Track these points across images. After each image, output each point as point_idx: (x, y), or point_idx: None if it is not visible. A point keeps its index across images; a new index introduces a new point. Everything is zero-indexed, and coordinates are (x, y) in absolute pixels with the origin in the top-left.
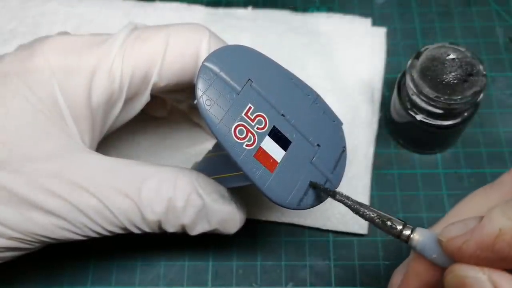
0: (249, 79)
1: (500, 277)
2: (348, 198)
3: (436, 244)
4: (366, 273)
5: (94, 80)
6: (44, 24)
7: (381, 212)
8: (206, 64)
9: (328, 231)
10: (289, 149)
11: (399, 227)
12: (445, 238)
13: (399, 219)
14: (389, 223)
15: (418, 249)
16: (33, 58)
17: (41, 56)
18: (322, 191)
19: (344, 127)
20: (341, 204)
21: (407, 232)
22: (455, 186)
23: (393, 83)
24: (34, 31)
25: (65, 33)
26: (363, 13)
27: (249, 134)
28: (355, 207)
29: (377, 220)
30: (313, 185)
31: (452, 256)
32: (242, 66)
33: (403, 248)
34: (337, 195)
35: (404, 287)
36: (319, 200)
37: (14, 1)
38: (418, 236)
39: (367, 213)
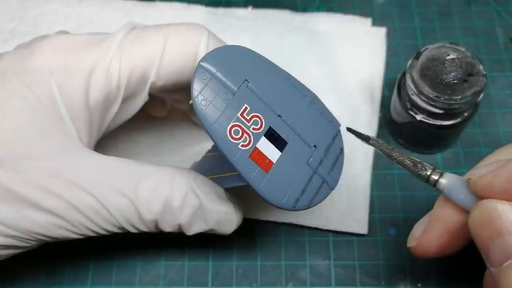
0: (246, 79)
1: None
2: (381, 143)
3: (464, 187)
4: (366, 273)
5: (92, 79)
6: (44, 24)
7: (413, 158)
8: (202, 64)
9: (328, 231)
10: (285, 150)
11: (429, 172)
12: (475, 175)
13: (429, 164)
14: (419, 166)
15: (446, 192)
16: (31, 57)
17: (39, 55)
18: (355, 134)
19: (343, 127)
20: (341, 204)
21: (435, 176)
22: None
23: (393, 83)
24: (34, 31)
25: (63, 32)
26: (363, 13)
27: (245, 135)
28: (387, 152)
29: (408, 164)
30: (348, 129)
31: (481, 193)
32: (239, 66)
33: (403, 248)
34: (371, 140)
35: (426, 234)
36: (315, 201)
37: (14, 1)
38: (446, 180)
39: (399, 157)
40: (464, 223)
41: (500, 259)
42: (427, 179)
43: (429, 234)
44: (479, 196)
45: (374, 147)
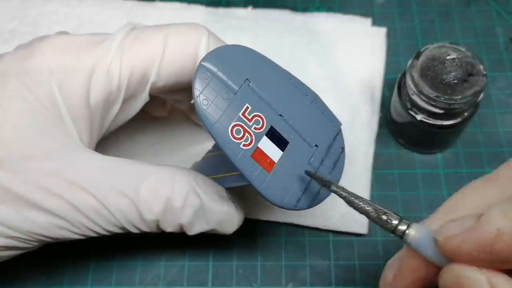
0: (247, 79)
1: (499, 278)
2: (343, 189)
3: (431, 241)
4: (366, 273)
5: (92, 79)
6: (44, 24)
7: (377, 206)
8: (204, 63)
9: (328, 231)
10: (286, 149)
11: (395, 222)
12: (442, 237)
13: (395, 214)
14: (384, 217)
15: (413, 245)
16: (31, 58)
17: (39, 55)
18: (317, 181)
19: (344, 127)
20: (342, 204)
21: (402, 227)
22: (455, 186)
23: (393, 83)
24: (34, 31)
25: (63, 33)
26: (363, 13)
27: (246, 134)
28: (350, 199)
29: (372, 214)
30: (309, 174)
31: (449, 256)
32: (240, 66)
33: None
34: (332, 186)
35: (397, 282)
36: (316, 200)
37: (14, 1)
38: (414, 232)
39: (362, 206)
40: (434, 273)
41: None
42: (393, 230)
43: (399, 281)
44: (448, 258)
45: (336, 194)
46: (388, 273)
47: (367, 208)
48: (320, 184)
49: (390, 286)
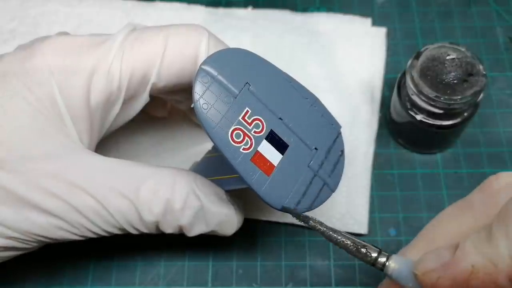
0: (247, 82)
1: None
2: (321, 223)
3: (411, 274)
4: (366, 273)
5: (92, 80)
6: (44, 24)
7: (356, 239)
8: (204, 67)
9: None
10: (286, 152)
11: (374, 255)
12: (420, 271)
13: (374, 246)
14: (363, 250)
15: (394, 277)
16: (32, 58)
17: (40, 56)
18: (294, 216)
19: (344, 127)
20: (342, 204)
21: (382, 259)
22: (455, 186)
23: (393, 83)
24: (34, 31)
25: (64, 34)
26: (363, 13)
27: (246, 138)
28: (328, 234)
29: (351, 248)
30: (285, 210)
31: None
32: (240, 69)
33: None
34: (310, 221)
35: None
36: (316, 203)
37: (14, 1)
38: (394, 264)
39: (341, 239)
40: None
41: None
42: (373, 263)
43: None
44: None
45: (314, 229)
46: None
47: (345, 242)
48: (297, 219)
49: None
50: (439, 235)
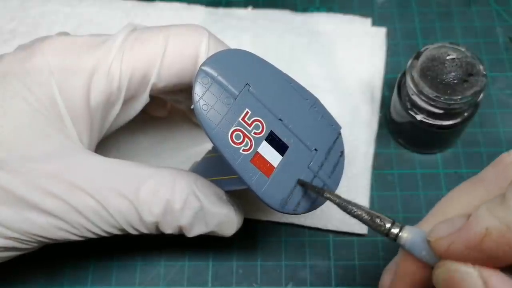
0: (247, 83)
1: (490, 273)
2: (336, 196)
3: (424, 243)
4: (366, 273)
5: (92, 81)
6: (44, 24)
7: (370, 210)
8: (204, 68)
9: (328, 231)
10: (286, 154)
11: (388, 225)
12: (433, 238)
13: (388, 217)
14: (377, 220)
15: (407, 247)
16: (32, 59)
17: (40, 56)
18: (309, 189)
19: (344, 127)
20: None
21: (395, 230)
22: (455, 186)
23: (393, 83)
24: (34, 31)
25: (64, 34)
26: (363, 13)
27: (246, 139)
28: (343, 205)
29: (365, 218)
30: (301, 183)
31: (441, 255)
32: (240, 70)
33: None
34: (325, 193)
35: (395, 287)
36: (316, 204)
37: (14, 1)
38: (407, 234)
39: (356, 210)
40: (429, 275)
41: None
42: (386, 233)
43: (397, 287)
44: (440, 257)
45: (329, 200)
46: (386, 279)
47: (360, 213)
48: (312, 191)
49: None
50: (452, 209)
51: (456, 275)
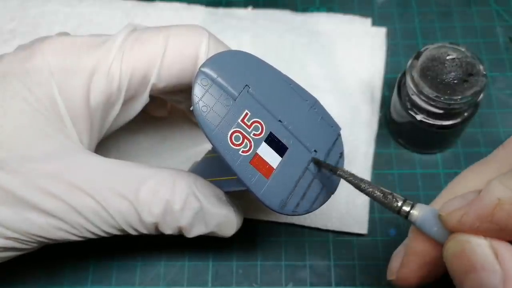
0: (246, 84)
1: (501, 245)
2: (350, 174)
3: (435, 219)
4: (366, 273)
5: (92, 81)
6: (44, 24)
7: (383, 188)
8: (203, 69)
9: (328, 231)
10: (285, 155)
11: (400, 203)
12: (445, 212)
13: (399, 195)
14: (389, 197)
15: (418, 224)
16: (32, 59)
17: (40, 56)
18: (324, 167)
19: (344, 127)
20: (342, 204)
21: (407, 208)
22: None
23: (393, 83)
24: (34, 31)
25: (64, 34)
26: (363, 13)
27: (245, 141)
28: (356, 183)
29: (378, 195)
30: (316, 161)
31: (452, 229)
32: (240, 71)
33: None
34: (339, 171)
35: (404, 269)
36: (315, 205)
37: (14, 1)
38: (418, 212)
39: (369, 188)
40: (440, 255)
41: None
42: (398, 210)
43: (407, 268)
44: (451, 232)
45: (342, 178)
46: (395, 262)
47: (373, 190)
48: (326, 169)
49: (397, 273)
50: (463, 188)
51: (467, 246)
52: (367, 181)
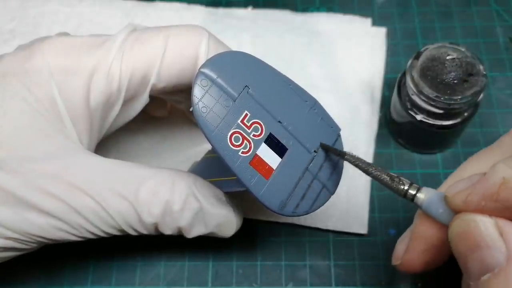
0: (246, 85)
1: (505, 223)
2: (358, 158)
3: (441, 202)
4: (366, 273)
5: (92, 81)
6: (44, 24)
7: (390, 172)
8: (203, 70)
9: (328, 231)
10: (285, 156)
11: (406, 186)
12: (451, 193)
13: (406, 179)
14: (396, 181)
15: (424, 207)
16: (32, 59)
17: (40, 56)
18: (332, 152)
19: (344, 127)
20: (342, 204)
21: (413, 191)
22: None
23: (393, 83)
24: (34, 31)
25: (64, 34)
26: (363, 13)
27: (245, 142)
28: (364, 167)
29: (385, 178)
30: (324, 147)
31: (458, 209)
32: (239, 72)
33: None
34: (346, 155)
35: (409, 253)
36: (315, 206)
37: (14, 1)
38: (424, 195)
39: (376, 172)
40: (445, 238)
41: (478, 272)
42: (404, 194)
43: (412, 252)
44: (457, 212)
45: (350, 162)
46: (400, 248)
47: (380, 174)
48: (334, 154)
49: (402, 258)
50: (469, 173)
51: (472, 225)
52: (374, 165)
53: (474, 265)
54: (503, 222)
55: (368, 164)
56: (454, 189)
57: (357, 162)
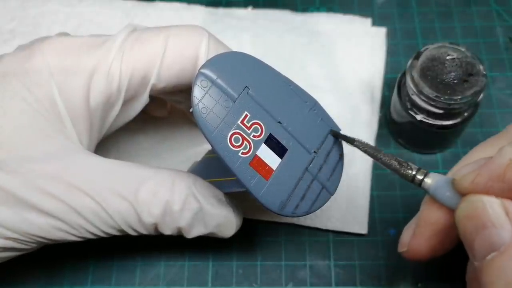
0: (246, 86)
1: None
2: (366, 144)
3: (448, 186)
4: (366, 273)
5: (92, 81)
6: (44, 24)
7: (398, 158)
8: (203, 71)
9: (328, 231)
10: (285, 156)
11: (414, 172)
12: (457, 176)
13: (413, 164)
14: (404, 165)
15: (431, 191)
16: (32, 59)
17: (40, 57)
18: (341, 138)
19: (344, 127)
20: (342, 204)
21: (420, 176)
22: None
23: (393, 83)
24: (34, 31)
25: (64, 34)
26: (363, 13)
27: (245, 142)
28: (372, 153)
29: (393, 164)
30: (334, 133)
31: (465, 191)
32: (239, 73)
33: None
34: (355, 142)
35: (415, 239)
36: (314, 207)
37: (14, 1)
38: (431, 180)
39: (384, 158)
40: (452, 223)
41: (484, 252)
42: (412, 179)
43: (419, 238)
44: (464, 195)
45: (359, 148)
46: (406, 235)
47: (388, 159)
48: (343, 140)
49: (409, 244)
50: (476, 159)
51: (479, 205)
52: (382, 151)
53: (480, 245)
54: (509, 203)
55: (377, 149)
56: (461, 172)
57: (366, 148)
